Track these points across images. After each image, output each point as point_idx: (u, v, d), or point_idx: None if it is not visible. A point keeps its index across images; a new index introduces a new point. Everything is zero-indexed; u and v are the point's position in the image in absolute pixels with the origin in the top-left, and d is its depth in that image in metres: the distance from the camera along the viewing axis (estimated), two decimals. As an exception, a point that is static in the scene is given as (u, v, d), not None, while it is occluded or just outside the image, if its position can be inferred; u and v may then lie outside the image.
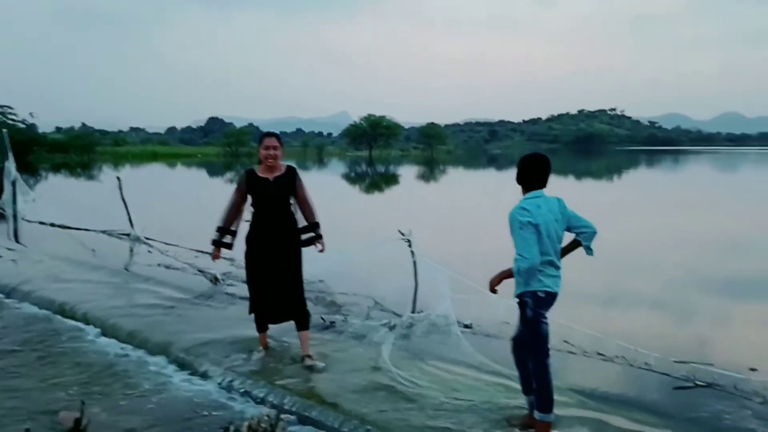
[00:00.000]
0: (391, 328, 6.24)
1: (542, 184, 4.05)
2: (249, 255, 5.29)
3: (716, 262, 11.36)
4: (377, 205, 24.45)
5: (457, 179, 42.99)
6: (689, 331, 7.18)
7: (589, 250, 4.11)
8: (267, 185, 5.19)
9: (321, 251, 5.33)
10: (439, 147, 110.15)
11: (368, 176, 46.21)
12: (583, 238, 4.09)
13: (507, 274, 4.02)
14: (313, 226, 5.29)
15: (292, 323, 5.39)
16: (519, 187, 4.09)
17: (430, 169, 55.47)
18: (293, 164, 5.51)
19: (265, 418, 3.77)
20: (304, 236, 5.28)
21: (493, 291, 4.08)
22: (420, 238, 7.07)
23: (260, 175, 5.24)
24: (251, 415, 4.00)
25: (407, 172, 49.20)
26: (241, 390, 4.87)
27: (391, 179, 41.65)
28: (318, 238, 5.29)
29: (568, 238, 4.13)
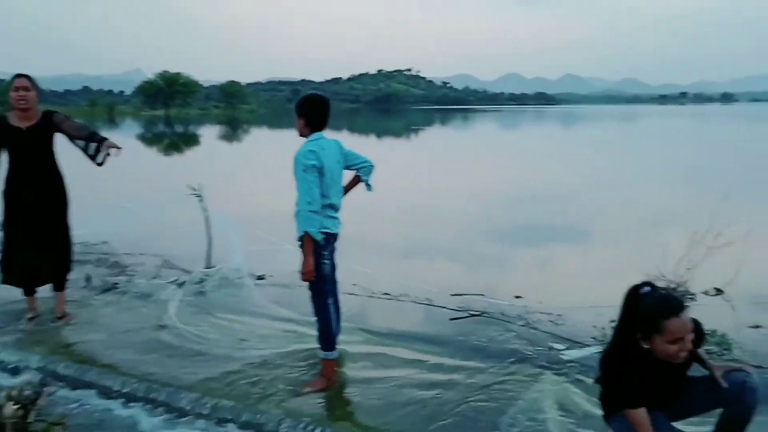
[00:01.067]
0: (180, 285, 6.02)
1: (324, 126, 4.05)
2: (5, 212, 4.78)
3: (499, 211, 12.38)
4: (176, 166, 23.37)
5: (260, 139, 42.33)
6: (469, 270, 7.76)
7: (368, 186, 4.23)
8: (20, 135, 4.67)
9: (119, 149, 4.85)
10: (241, 106, 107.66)
11: (166, 137, 43.90)
12: (362, 173, 4.20)
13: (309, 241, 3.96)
14: (91, 135, 4.82)
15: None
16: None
17: (233, 129, 54.04)
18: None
19: (27, 386, 3.45)
20: (90, 150, 4.80)
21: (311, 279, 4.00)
22: (218, 195, 6.88)
23: (12, 124, 4.70)
24: (11, 386, 3.65)
25: (209, 132, 47.51)
26: (7, 361, 4.43)
27: (192, 140, 39.97)
28: (103, 140, 4.82)
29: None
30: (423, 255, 8.53)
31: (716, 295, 5.97)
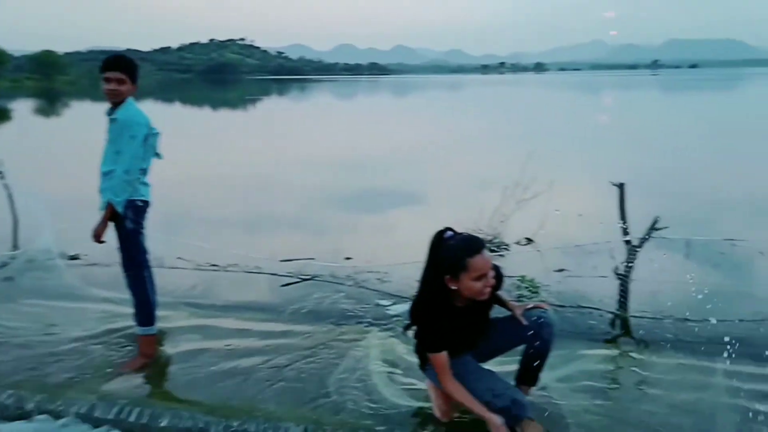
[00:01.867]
0: (-21, 271, 5.45)
1: None
2: None
3: (334, 179, 12.43)
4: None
5: (81, 112, 39.18)
6: (301, 236, 7.74)
7: (158, 155, 3.99)
8: None
9: None
10: (58, 77, 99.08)
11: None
12: None
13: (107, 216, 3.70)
14: None
15: None
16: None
17: (50, 103, 49.64)
18: None
19: None
20: None
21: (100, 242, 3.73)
22: (27, 172, 6.24)
23: None
24: None
25: (21, 107, 43.24)
26: None
27: (1, 115, 36.16)
28: None
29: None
30: (255, 225, 8.38)
31: (527, 244, 6.44)
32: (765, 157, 14.34)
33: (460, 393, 2.87)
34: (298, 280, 5.52)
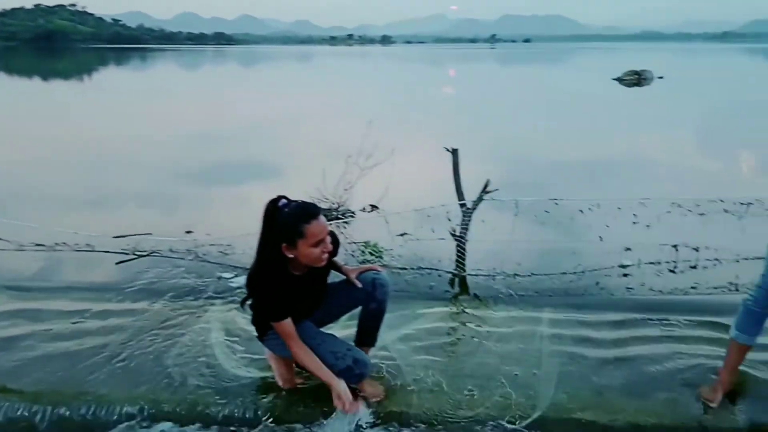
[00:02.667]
0: None
1: None
2: None
3: (180, 153, 11.90)
4: None
5: None
6: (140, 212, 7.34)
7: None
8: None
9: None
10: None
11: None
12: None
13: None
14: None
15: None
16: None
17: None
18: None
19: None
20: None
21: None
22: None
23: None
24: None
25: None
26: None
27: None
28: None
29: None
30: (92, 203, 7.82)
31: (371, 210, 6.56)
32: (588, 124, 15.59)
33: (309, 359, 2.87)
34: (134, 256, 5.25)
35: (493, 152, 10.87)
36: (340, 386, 2.84)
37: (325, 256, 2.82)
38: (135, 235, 5.64)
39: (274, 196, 2.81)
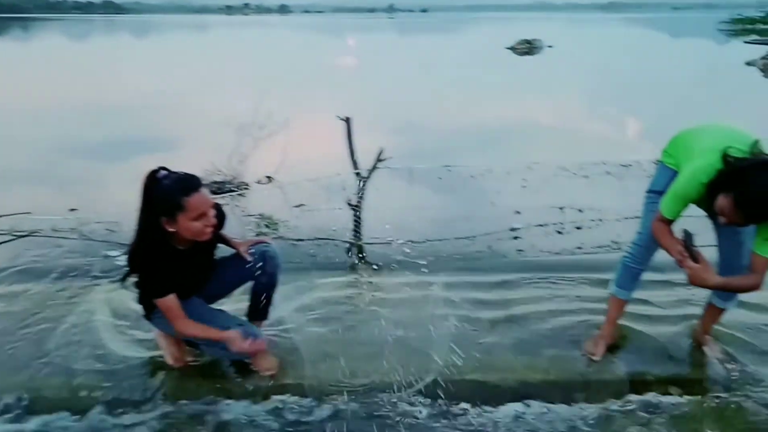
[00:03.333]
0: None
1: None
2: None
3: (70, 130, 11.16)
4: None
5: None
6: (19, 190, 6.87)
7: None
8: None
9: None
10: None
11: None
12: None
13: None
14: None
15: None
16: None
17: None
18: None
19: None
20: None
21: None
22: None
23: None
24: None
25: None
26: None
27: None
28: None
29: None
30: None
31: (267, 182, 6.43)
32: (481, 92, 15.92)
33: (194, 327, 2.79)
34: (13, 237, 4.92)
35: (388, 121, 10.91)
36: (233, 334, 2.77)
37: (209, 230, 2.72)
38: (12, 214, 5.26)
39: (153, 168, 2.68)
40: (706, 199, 2.49)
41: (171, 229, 2.66)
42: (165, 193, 2.62)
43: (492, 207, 5.40)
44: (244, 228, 5.00)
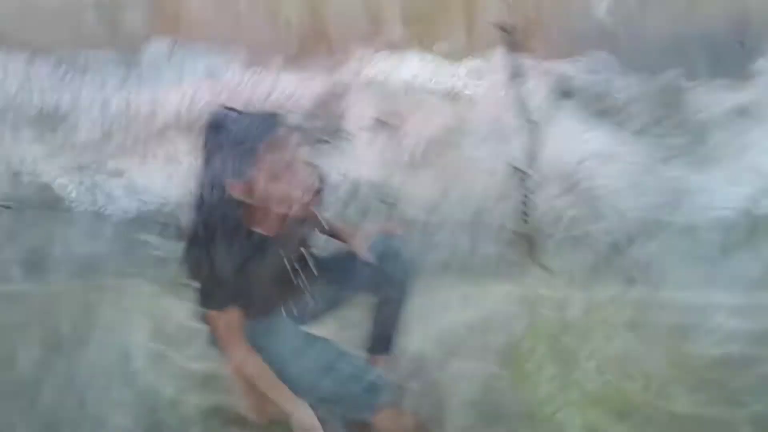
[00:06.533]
0: None
1: None
2: None
3: None
4: None
5: None
6: None
7: None
8: None
9: None
10: None
11: None
12: None
13: None
14: None
15: None
16: None
17: None
18: None
19: None
20: None
21: None
22: None
23: None
24: None
25: None
26: None
27: None
28: None
29: None
30: None
31: (379, 128, 4.91)
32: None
33: (258, 369, 1.65)
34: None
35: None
36: (307, 423, 1.64)
37: (300, 195, 1.55)
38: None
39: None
40: None
41: (240, 197, 1.52)
42: (232, 136, 1.49)
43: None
44: (342, 205, 3.40)
